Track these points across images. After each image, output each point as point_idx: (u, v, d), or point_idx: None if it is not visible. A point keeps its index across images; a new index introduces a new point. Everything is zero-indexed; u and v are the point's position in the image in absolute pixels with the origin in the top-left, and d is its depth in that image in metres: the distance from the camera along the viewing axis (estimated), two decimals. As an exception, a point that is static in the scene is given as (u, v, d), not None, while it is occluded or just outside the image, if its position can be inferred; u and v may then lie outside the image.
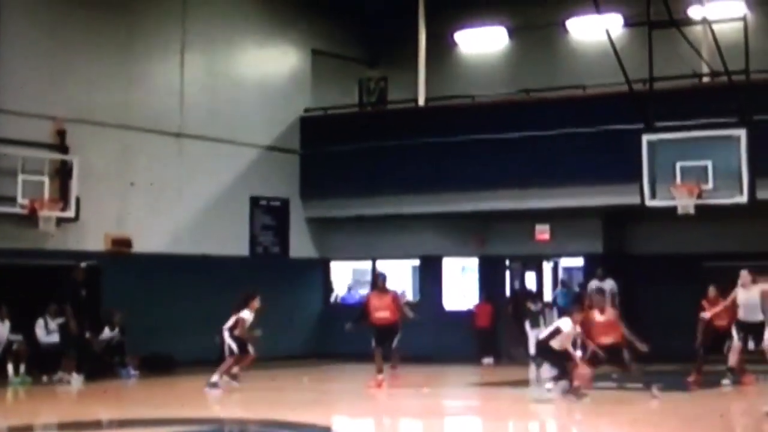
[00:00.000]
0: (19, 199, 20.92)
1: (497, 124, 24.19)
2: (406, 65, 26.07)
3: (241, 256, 25.14)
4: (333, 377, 22.79)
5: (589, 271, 24.81)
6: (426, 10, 25.12)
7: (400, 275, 26.74)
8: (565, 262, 27.72)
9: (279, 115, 26.34)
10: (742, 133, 20.54)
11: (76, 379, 19.87)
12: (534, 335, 22.36)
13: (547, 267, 27.51)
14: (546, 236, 25.53)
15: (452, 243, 26.22)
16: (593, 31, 25.15)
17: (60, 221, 21.49)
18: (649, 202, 21.25)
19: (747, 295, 18.06)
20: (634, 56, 21.81)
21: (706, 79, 22.86)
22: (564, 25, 26.83)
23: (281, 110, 26.37)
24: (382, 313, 18.79)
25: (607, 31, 21.60)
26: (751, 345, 17.91)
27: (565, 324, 16.95)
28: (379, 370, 18.76)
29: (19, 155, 21.04)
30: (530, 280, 27.00)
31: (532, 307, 24.77)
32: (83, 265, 21.19)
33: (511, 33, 27.53)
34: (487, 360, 24.57)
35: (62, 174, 21.79)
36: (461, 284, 27.02)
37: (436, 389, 19.59)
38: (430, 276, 26.32)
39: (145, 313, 21.87)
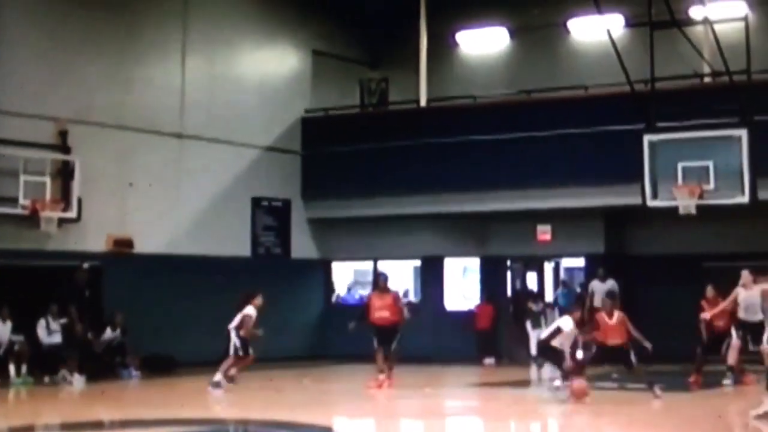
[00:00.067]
0: (21, 200, 20.93)
1: (499, 124, 24.19)
2: (407, 66, 26.09)
3: (242, 257, 25.15)
4: (333, 377, 22.79)
5: (590, 272, 24.80)
6: (427, 11, 25.12)
7: (402, 276, 26.73)
8: (567, 262, 27.72)
9: (279, 115, 26.35)
10: (743, 134, 20.53)
11: (78, 380, 19.87)
12: (535, 336, 22.39)
13: (548, 267, 27.51)
14: (547, 237, 25.53)
15: (453, 243, 26.22)
16: (594, 32, 25.14)
17: (61, 222, 21.51)
18: (651, 203, 21.24)
19: (748, 294, 18.07)
20: (636, 56, 21.81)
21: (707, 80, 22.86)
22: (565, 26, 26.82)
23: (282, 111, 26.38)
24: (382, 312, 18.80)
25: (609, 32, 21.61)
26: (750, 346, 17.92)
27: (566, 323, 16.99)
28: (380, 370, 18.77)
29: (20, 156, 21.05)
30: (531, 280, 27.02)
31: (534, 307, 24.84)
32: (86, 265, 21.20)
33: (513, 33, 27.52)
34: (488, 360, 24.57)
35: (64, 174, 21.80)
36: (462, 285, 27.02)
37: (436, 389, 19.60)
38: (431, 276, 26.31)
39: (146, 314, 21.88)
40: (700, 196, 20.66)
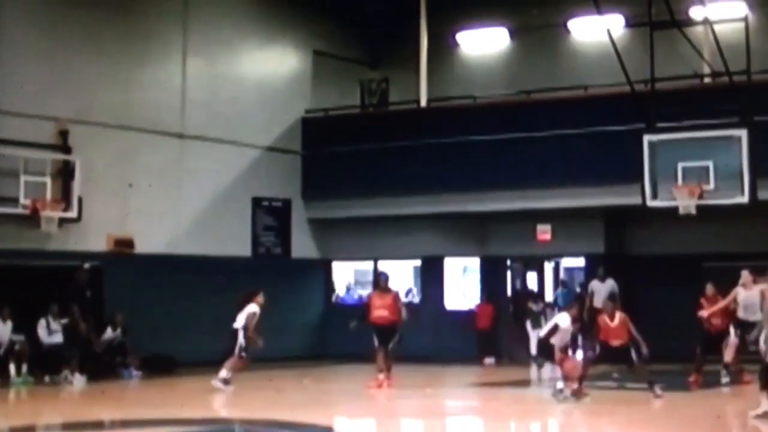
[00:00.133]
0: (21, 200, 20.95)
1: (499, 124, 24.20)
2: (408, 66, 26.10)
3: (243, 257, 25.17)
4: (333, 377, 22.81)
5: (590, 272, 24.82)
6: (427, 11, 25.12)
7: (402, 275, 26.75)
8: (567, 262, 27.76)
9: (280, 116, 26.37)
10: (743, 134, 20.56)
11: (79, 380, 19.87)
12: (535, 335, 22.39)
13: (548, 267, 27.55)
14: (547, 236, 25.55)
15: (453, 243, 26.23)
16: (594, 32, 25.14)
17: (62, 222, 21.53)
18: (651, 203, 21.27)
19: (747, 294, 18.11)
20: (636, 57, 21.83)
21: (707, 80, 22.87)
22: (565, 26, 26.82)
23: (282, 111, 26.40)
24: (381, 312, 18.81)
25: (609, 32, 21.62)
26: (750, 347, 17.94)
27: (563, 320, 17.03)
28: (380, 370, 18.79)
29: (21, 156, 21.07)
30: (531, 280, 27.04)
31: (534, 307, 24.85)
32: (87, 265, 21.20)
33: (513, 34, 27.53)
34: (489, 360, 24.59)
35: (64, 174, 21.82)
36: (462, 284, 27.03)
37: (437, 389, 19.61)
38: (431, 276, 26.32)
39: (146, 314, 21.89)
40: (700, 196, 20.69)
